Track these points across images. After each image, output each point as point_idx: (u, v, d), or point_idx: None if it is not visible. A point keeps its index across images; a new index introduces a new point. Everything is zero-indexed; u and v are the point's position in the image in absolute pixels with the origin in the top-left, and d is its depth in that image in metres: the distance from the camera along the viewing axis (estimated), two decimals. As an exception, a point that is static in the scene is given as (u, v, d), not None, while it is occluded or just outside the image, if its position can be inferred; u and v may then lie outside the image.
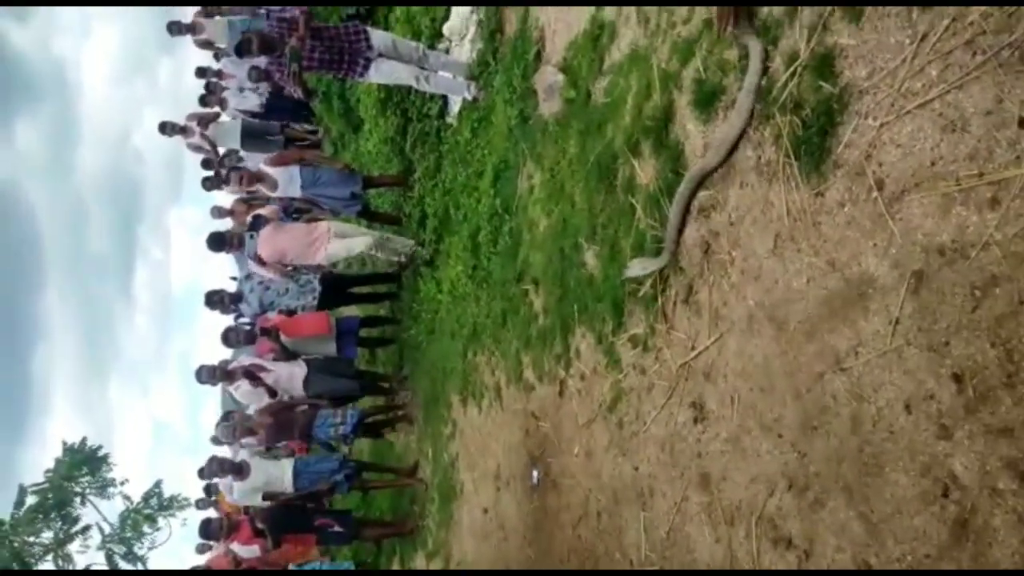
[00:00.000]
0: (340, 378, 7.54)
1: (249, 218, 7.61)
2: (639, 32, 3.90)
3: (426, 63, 6.16)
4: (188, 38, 9.70)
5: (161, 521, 25.39)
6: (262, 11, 8.92)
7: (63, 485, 24.15)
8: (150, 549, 25.05)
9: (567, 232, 4.47)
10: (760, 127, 2.83)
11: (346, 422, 7.23)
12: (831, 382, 2.43)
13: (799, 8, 2.68)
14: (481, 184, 6.14)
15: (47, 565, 23.31)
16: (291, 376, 7.26)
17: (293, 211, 8.19)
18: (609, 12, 4.27)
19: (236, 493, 7.15)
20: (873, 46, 2.37)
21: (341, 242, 7.02)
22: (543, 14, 5.27)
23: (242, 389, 7.32)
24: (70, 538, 23.89)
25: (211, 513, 10.55)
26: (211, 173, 9.03)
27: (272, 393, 7.26)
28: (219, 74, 10.02)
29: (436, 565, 6.96)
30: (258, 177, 6.99)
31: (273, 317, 7.41)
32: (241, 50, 5.95)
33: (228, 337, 7.36)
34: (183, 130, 9.48)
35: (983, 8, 2.03)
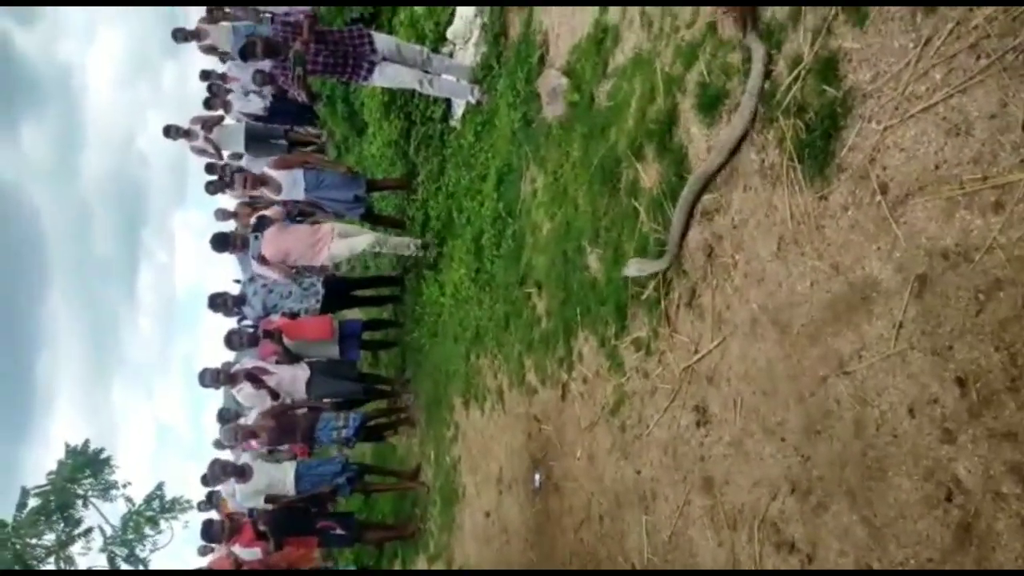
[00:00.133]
0: (343, 381, 7.56)
1: (253, 219, 7.62)
2: (643, 36, 3.90)
3: (430, 67, 6.18)
4: (193, 43, 9.72)
5: (163, 523, 25.37)
6: (266, 15, 8.98)
7: (65, 487, 24.12)
8: (152, 551, 25.05)
9: (570, 235, 4.47)
10: (764, 130, 2.83)
11: (348, 425, 7.24)
12: (834, 386, 2.42)
13: (803, 11, 2.68)
14: (484, 187, 6.15)
15: (49, 567, 23.29)
16: (294, 379, 7.28)
17: (297, 214, 8.19)
18: (613, 16, 4.27)
19: (238, 496, 7.16)
20: (877, 50, 2.37)
21: (344, 241, 7.02)
22: (547, 18, 5.28)
23: (244, 392, 7.33)
24: (72, 540, 23.86)
25: (213, 515, 10.54)
26: (215, 177, 9.04)
27: (274, 396, 7.27)
28: (223, 77, 10.04)
29: (438, 568, 6.95)
30: (262, 180, 7.00)
31: (276, 320, 7.43)
32: (245, 54, 5.99)
33: (231, 340, 7.37)
34: (187, 133, 9.50)
35: (987, 11, 2.03)
